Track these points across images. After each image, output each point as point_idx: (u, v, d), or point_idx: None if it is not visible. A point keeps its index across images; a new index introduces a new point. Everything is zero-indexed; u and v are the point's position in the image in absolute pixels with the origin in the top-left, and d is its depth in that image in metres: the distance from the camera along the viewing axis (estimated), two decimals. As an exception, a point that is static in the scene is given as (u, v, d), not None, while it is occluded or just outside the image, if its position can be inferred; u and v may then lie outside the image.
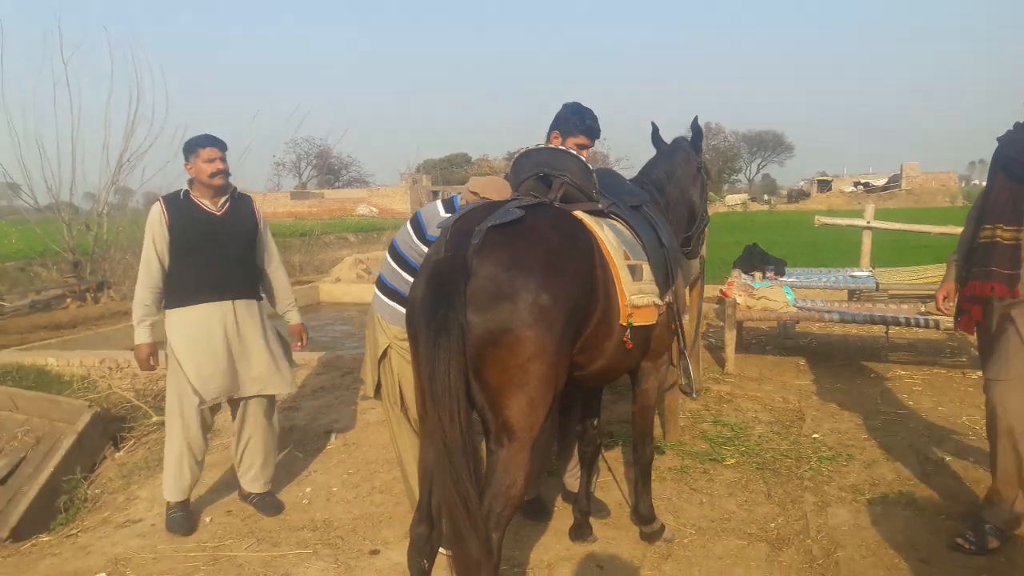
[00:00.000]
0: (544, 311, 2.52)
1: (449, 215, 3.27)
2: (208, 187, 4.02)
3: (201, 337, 4.00)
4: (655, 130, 4.11)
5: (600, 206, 3.19)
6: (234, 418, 4.27)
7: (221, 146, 4.04)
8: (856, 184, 71.77)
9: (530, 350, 2.52)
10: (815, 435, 5.02)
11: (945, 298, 3.80)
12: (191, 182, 4.05)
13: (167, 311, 4.04)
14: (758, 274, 7.95)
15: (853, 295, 8.26)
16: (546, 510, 4.04)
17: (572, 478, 4.07)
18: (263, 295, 4.31)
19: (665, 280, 3.30)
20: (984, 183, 3.71)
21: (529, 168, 3.24)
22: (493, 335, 2.48)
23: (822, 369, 6.73)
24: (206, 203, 4.04)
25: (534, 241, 2.64)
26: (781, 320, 7.06)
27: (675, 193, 3.85)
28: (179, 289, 4.01)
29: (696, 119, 4.07)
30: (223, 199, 4.09)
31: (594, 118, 3.70)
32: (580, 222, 2.96)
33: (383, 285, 3.63)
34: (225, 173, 4.03)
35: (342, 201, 58.61)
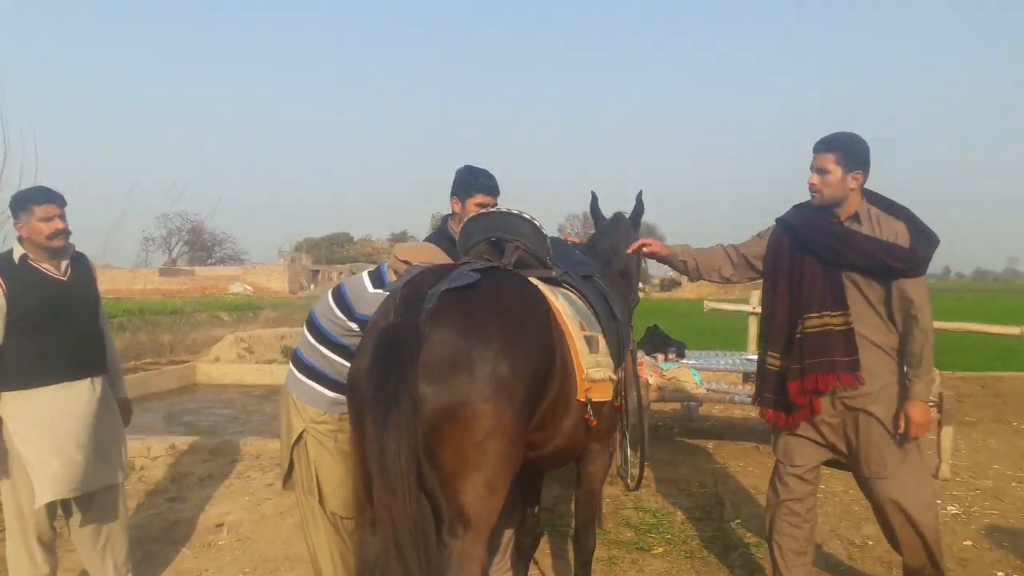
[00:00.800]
0: (503, 382, 2.30)
1: (378, 290, 3.05)
2: (45, 249, 3.54)
3: (49, 423, 3.46)
4: (594, 200, 4.03)
5: (554, 273, 3.04)
6: (75, 514, 3.68)
7: (59, 201, 3.56)
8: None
9: (488, 426, 2.28)
10: (737, 520, 4.92)
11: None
12: (21, 241, 3.53)
13: (2, 395, 3.47)
14: (660, 356, 7.97)
15: (748, 377, 8.41)
16: None
17: (499, 572, 3.77)
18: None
19: (618, 354, 3.14)
20: None
21: (480, 233, 3.08)
22: (448, 410, 2.23)
23: (731, 452, 6.73)
24: (47, 267, 3.56)
25: (491, 306, 2.44)
26: (687, 402, 7.04)
27: (619, 268, 3.75)
28: (19, 368, 3.45)
29: (640, 193, 4.02)
30: (65, 262, 3.63)
31: (489, 176, 3.62)
32: (537, 288, 2.78)
33: (299, 361, 3.29)
34: (66, 233, 3.57)
35: (214, 279, 56.47)
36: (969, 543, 4.46)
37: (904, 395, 3.24)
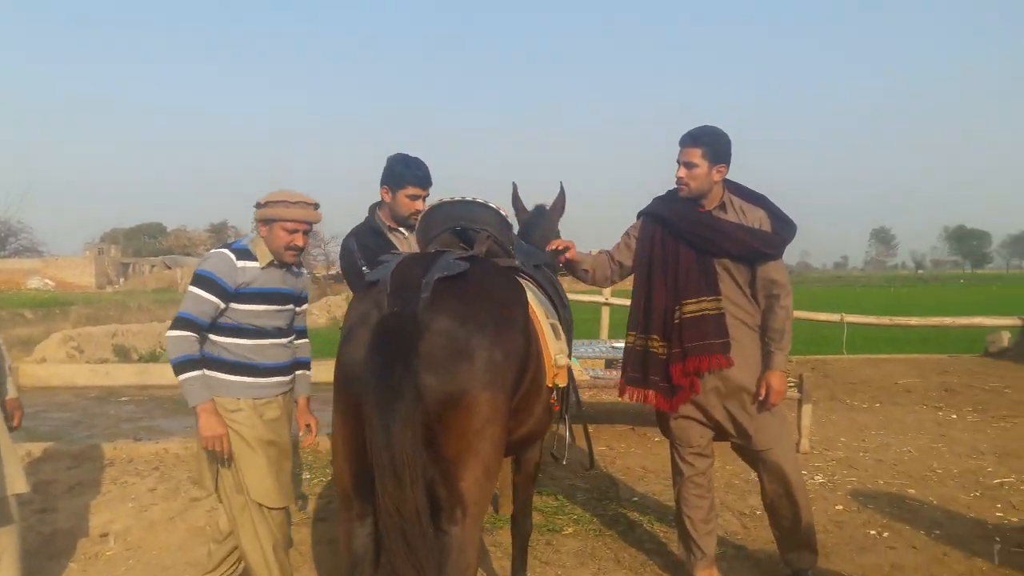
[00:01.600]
0: (498, 369, 2.35)
1: (246, 263, 3.14)
2: None
3: None
4: (515, 191, 4.09)
5: (516, 263, 3.08)
6: None
7: None
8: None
9: (486, 413, 2.32)
10: (634, 499, 5.17)
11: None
12: None
13: None
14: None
15: (610, 364, 8.81)
16: None
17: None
18: None
19: (569, 341, 3.24)
20: None
21: (442, 221, 3.06)
22: (452, 397, 2.25)
23: (610, 435, 7.01)
24: None
25: (482, 295, 2.46)
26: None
27: (547, 258, 3.84)
28: None
29: (562, 183, 4.12)
30: None
31: (421, 166, 3.59)
32: (516, 277, 2.82)
33: (194, 360, 3.17)
34: None
35: (10, 272, 51.38)
36: (840, 507, 4.94)
37: (764, 366, 3.56)
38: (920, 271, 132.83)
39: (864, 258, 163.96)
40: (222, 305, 3.11)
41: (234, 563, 3.45)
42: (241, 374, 3.18)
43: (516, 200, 4.10)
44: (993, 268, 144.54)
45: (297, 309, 3.47)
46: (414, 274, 2.37)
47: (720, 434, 3.67)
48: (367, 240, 3.56)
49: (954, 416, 7.78)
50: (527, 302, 2.71)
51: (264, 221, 3.21)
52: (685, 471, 3.74)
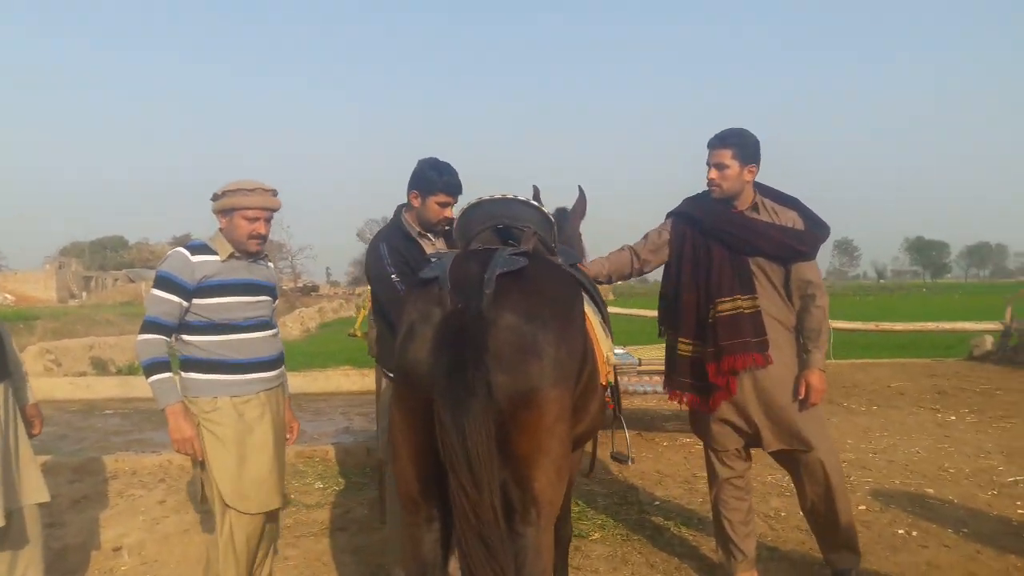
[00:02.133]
0: (564, 366, 2.28)
1: (203, 257, 3.11)
2: None
3: None
4: (536, 194, 4.01)
5: (559, 261, 3.01)
6: None
7: None
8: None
9: (556, 411, 2.24)
10: (655, 503, 5.11)
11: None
12: None
13: None
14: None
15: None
16: None
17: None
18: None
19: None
20: None
21: (483, 219, 2.97)
22: (523, 395, 2.16)
23: (619, 441, 6.93)
24: None
25: (544, 291, 2.38)
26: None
27: (579, 258, 3.77)
28: None
29: (581, 187, 4.06)
30: None
31: (454, 174, 3.50)
32: (570, 274, 2.75)
33: (166, 364, 3.12)
34: None
35: (-33, 287, 50.06)
36: (864, 508, 4.92)
37: (803, 366, 3.53)
38: (882, 280, 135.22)
39: (827, 268, 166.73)
40: (185, 303, 3.07)
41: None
42: (217, 372, 3.12)
43: (538, 202, 4.01)
44: (952, 278, 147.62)
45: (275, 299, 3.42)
46: (473, 270, 2.29)
47: (756, 438, 3.61)
48: (397, 244, 3.47)
49: (953, 417, 7.84)
50: (582, 299, 2.65)
51: (223, 212, 3.15)
52: (723, 473, 3.70)
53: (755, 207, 3.59)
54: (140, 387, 10.59)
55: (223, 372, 3.12)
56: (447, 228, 3.56)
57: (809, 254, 3.56)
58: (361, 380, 11.31)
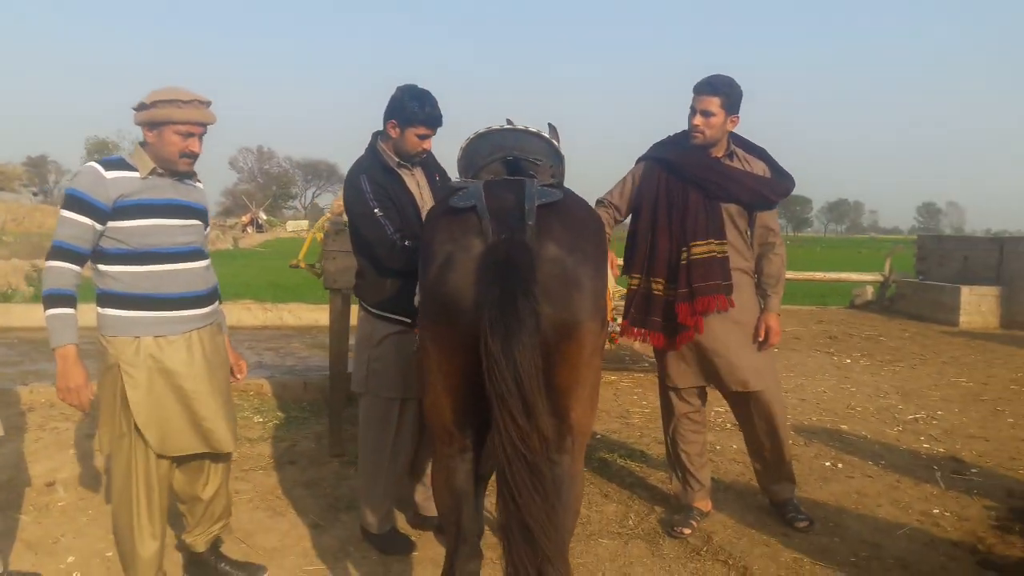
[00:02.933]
0: (600, 298, 2.30)
1: (118, 173, 2.75)
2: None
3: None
4: (553, 131, 3.92)
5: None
6: None
7: None
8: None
9: (593, 343, 2.27)
10: (596, 436, 5.26)
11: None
12: None
13: None
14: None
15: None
16: (410, 541, 3.61)
17: (431, 499, 3.70)
18: None
19: None
20: None
21: (490, 150, 2.90)
22: (567, 327, 2.17)
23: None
24: None
25: (580, 223, 2.37)
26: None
27: None
28: None
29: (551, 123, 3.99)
30: None
31: (434, 104, 3.36)
32: (593, 208, 2.75)
33: (70, 297, 2.76)
34: None
35: None
36: (791, 442, 5.23)
37: (762, 309, 3.73)
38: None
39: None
40: (98, 226, 2.71)
41: (217, 519, 3.24)
42: (138, 308, 2.77)
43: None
44: (812, 231, 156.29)
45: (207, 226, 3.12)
46: (510, 200, 2.25)
47: (715, 377, 3.75)
48: (378, 177, 3.35)
49: (848, 360, 8.41)
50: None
51: (150, 125, 2.77)
52: (680, 409, 3.83)
53: (730, 155, 3.69)
54: (19, 315, 9.95)
55: (146, 308, 2.78)
56: (423, 158, 3.49)
57: (776, 203, 3.72)
58: (264, 314, 10.98)
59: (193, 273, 2.91)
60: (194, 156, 2.87)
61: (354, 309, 4.08)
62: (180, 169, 2.87)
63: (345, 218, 4.76)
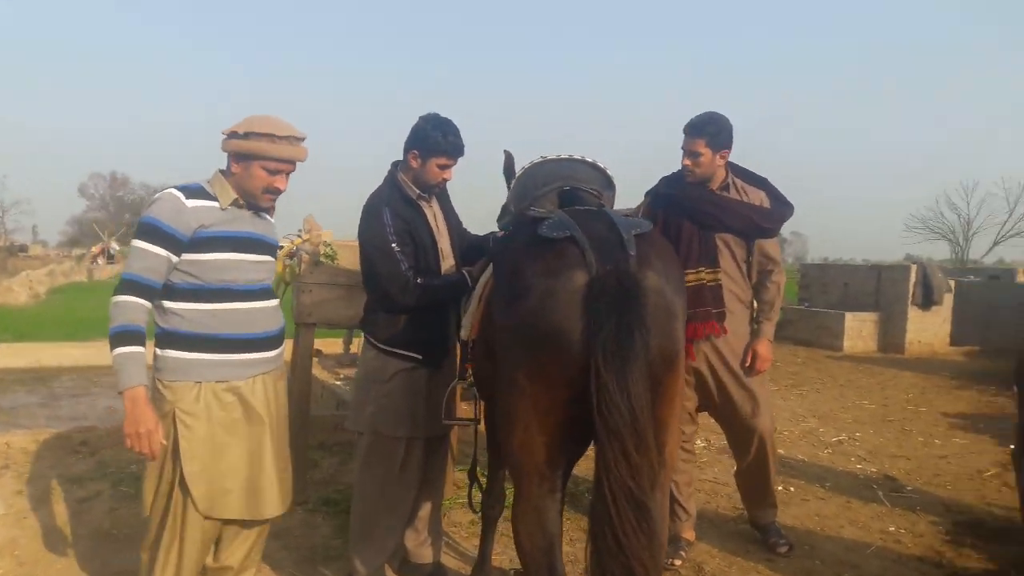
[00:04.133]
0: (685, 330, 2.33)
1: (199, 202, 2.58)
2: None
3: None
4: (510, 160, 3.87)
5: None
6: None
7: None
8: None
9: (682, 374, 2.33)
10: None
11: None
12: None
13: None
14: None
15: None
16: None
17: (420, 545, 3.60)
18: None
19: None
20: None
21: (545, 179, 2.88)
22: (670, 359, 2.20)
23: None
24: None
25: (671, 254, 2.43)
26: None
27: None
28: None
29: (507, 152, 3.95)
30: None
31: (457, 133, 3.31)
32: None
33: (139, 335, 2.52)
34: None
35: None
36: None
37: (753, 335, 3.88)
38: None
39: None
40: (174, 258, 2.52)
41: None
42: (204, 350, 2.58)
43: (509, 170, 3.90)
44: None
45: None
46: (602, 231, 2.24)
47: (709, 402, 3.87)
48: (400, 210, 3.28)
49: (758, 386, 8.80)
50: None
51: (239, 157, 2.61)
52: None
53: (726, 187, 3.82)
54: None
55: (213, 350, 2.58)
56: (440, 189, 3.43)
57: (772, 231, 3.86)
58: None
59: (265, 313, 2.74)
60: (278, 193, 2.71)
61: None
62: (261, 204, 2.71)
63: (322, 250, 4.62)
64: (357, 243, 3.58)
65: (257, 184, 2.63)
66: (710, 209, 3.75)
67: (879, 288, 12.31)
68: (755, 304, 3.92)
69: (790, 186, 4.12)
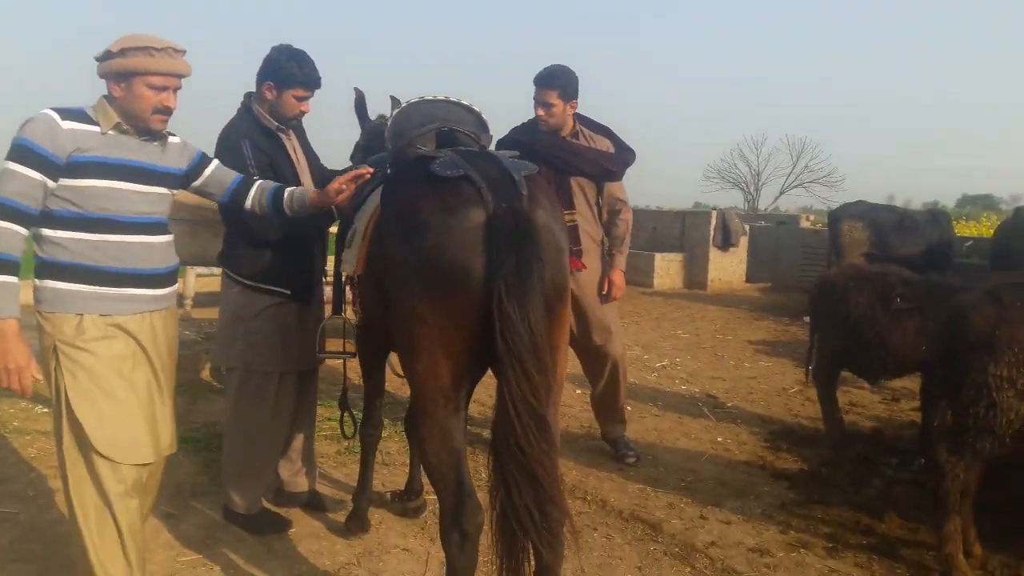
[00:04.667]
0: (568, 263, 2.52)
1: (76, 124, 2.37)
2: None
3: None
4: (361, 97, 3.81)
5: None
6: None
7: None
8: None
9: (569, 302, 2.53)
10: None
11: None
12: None
13: None
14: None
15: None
16: (284, 518, 3.48)
17: (295, 475, 3.61)
18: None
19: None
20: None
21: (421, 120, 2.88)
22: (560, 290, 2.39)
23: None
24: None
25: (553, 196, 2.63)
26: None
27: None
28: None
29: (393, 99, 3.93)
30: None
31: (312, 64, 3.27)
32: None
33: (14, 264, 2.34)
34: None
35: None
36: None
37: (607, 267, 4.20)
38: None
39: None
40: (49, 183, 2.34)
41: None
42: (84, 281, 2.41)
43: (361, 107, 3.82)
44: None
45: (174, 193, 2.69)
46: (494, 171, 2.34)
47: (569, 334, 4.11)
48: (259, 141, 3.19)
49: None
50: None
51: (117, 77, 2.42)
52: None
53: (575, 134, 4.11)
54: None
55: (93, 282, 2.41)
56: (297, 123, 3.37)
57: (619, 174, 4.19)
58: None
59: (153, 248, 2.55)
60: (169, 112, 2.49)
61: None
62: (153, 127, 2.49)
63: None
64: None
65: (144, 104, 2.44)
66: (564, 155, 4.02)
67: (684, 232, 13.29)
68: (606, 241, 4.22)
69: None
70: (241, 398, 3.30)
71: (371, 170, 2.91)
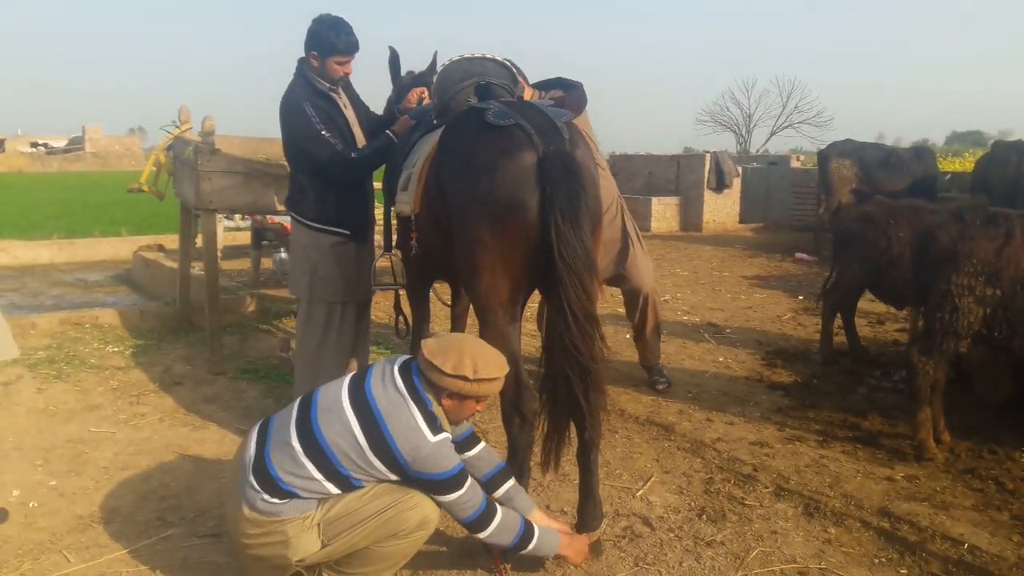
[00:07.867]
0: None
1: (441, 435, 2.47)
2: None
3: None
4: (395, 57, 4.19)
5: None
6: None
7: None
8: (34, 145, 67.21)
9: (603, 226, 3.00)
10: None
11: None
12: None
13: None
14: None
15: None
16: None
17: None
18: None
19: None
20: None
21: (461, 76, 3.32)
22: (598, 215, 2.84)
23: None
24: None
25: (586, 138, 3.02)
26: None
27: None
28: None
29: (436, 53, 4.31)
30: None
31: (351, 31, 3.68)
32: None
33: (267, 475, 2.44)
34: None
35: None
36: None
37: None
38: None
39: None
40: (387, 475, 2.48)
41: None
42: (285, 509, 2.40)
43: (394, 64, 4.20)
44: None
45: None
46: (538, 119, 2.77)
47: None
48: (318, 103, 3.63)
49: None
50: None
51: (453, 396, 2.54)
52: None
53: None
54: None
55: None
56: (345, 82, 3.82)
57: (580, 110, 4.48)
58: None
59: None
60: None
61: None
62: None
63: (214, 138, 4.76)
64: (241, 139, 3.88)
65: (466, 415, 2.65)
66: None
67: (679, 175, 13.70)
68: None
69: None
70: (308, 325, 3.80)
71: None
